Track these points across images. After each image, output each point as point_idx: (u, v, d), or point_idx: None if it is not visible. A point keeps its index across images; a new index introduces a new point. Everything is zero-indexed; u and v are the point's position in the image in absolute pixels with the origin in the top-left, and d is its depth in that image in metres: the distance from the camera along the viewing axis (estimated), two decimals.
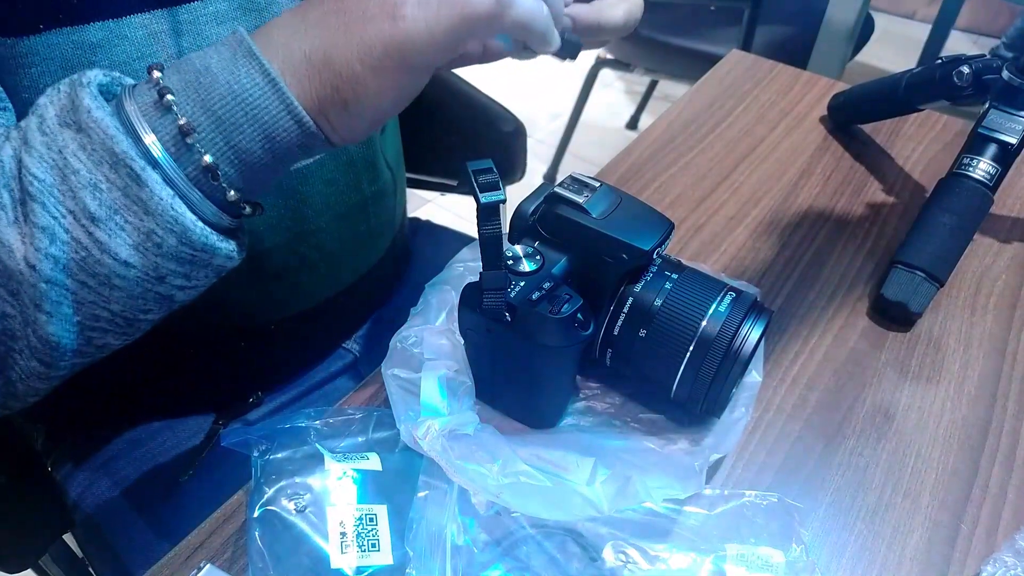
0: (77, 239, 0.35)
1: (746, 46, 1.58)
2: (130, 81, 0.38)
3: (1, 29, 0.43)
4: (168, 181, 0.36)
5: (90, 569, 0.70)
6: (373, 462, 0.47)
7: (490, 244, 0.40)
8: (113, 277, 0.36)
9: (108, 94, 0.37)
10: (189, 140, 0.36)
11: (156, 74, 0.36)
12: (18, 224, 0.35)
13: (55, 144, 0.35)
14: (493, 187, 0.38)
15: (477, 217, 0.39)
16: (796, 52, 1.58)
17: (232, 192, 0.38)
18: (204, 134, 0.36)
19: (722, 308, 0.45)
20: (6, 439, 0.68)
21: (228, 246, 0.39)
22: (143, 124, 0.36)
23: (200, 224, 0.37)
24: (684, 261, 0.49)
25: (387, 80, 0.38)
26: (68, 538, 0.69)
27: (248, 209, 0.40)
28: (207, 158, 0.36)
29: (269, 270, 0.62)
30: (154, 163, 0.35)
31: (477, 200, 0.38)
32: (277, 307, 0.66)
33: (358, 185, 0.66)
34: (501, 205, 0.39)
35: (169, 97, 0.36)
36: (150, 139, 0.36)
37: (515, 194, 0.51)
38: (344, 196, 0.64)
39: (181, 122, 0.36)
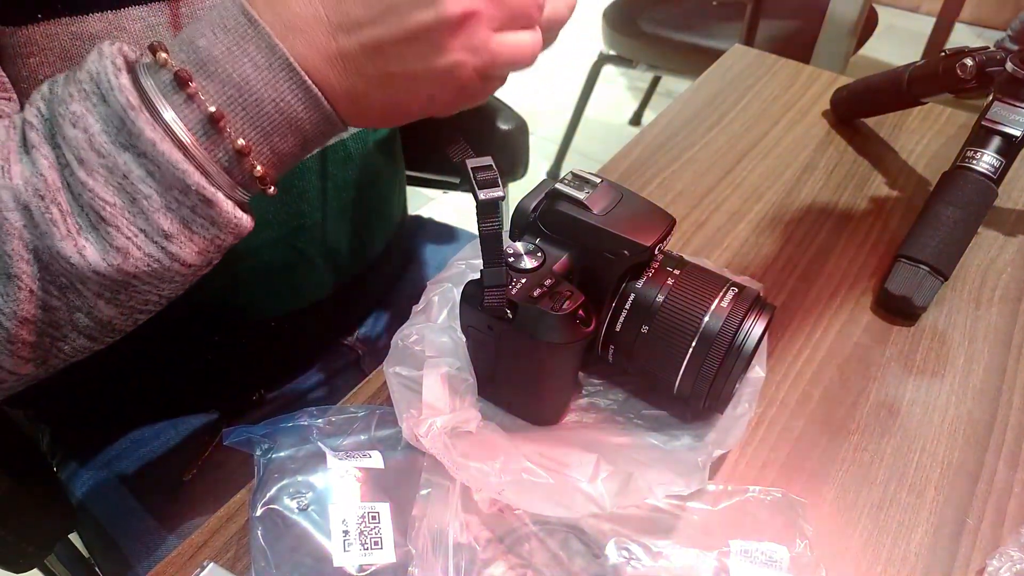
0: (150, 254, 0.37)
1: (748, 41, 1.58)
2: (135, 54, 0.38)
3: (0, 18, 0.43)
4: (227, 195, 0.38)
5: (96, 568, 0.70)
6: (375, 460, 0.47)
7: (490, 241, 0.40)
8: (176, 276, 0.39)
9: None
10: (245, 161, 0.37)
11: (192, 85, 0.36)
12: (71, 237, 0.36)
13: (117, 168, 0.35)
14: (492, 184, 0.38)
15: (477, 214, 0.39)
16: (799, 47, 1.57)
17: (272, 188, 0.40)
18: (256, 149, 0.38)
19: (724, 304, 0.45)
20: (11, 440, 0.69)
21: (252, 224, 0.41)
22: (188, 137, 0.36)
23: (251, 220, 0.39)
24: (687, 257, 0.49)
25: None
26: (74, 537, 0.70)
27: (273, 189, 0.41)
28: (258, 169, 0.38)
29: (267, 265, 0.63)
30: (215, 183, 0.37)
31: (476, 197, 0.38)
32: (276, 303, 0.66)
33: (354, 181, 0.66)
34: (500, 202, 0.39)
35: (224, 123, 0.36)
36: (204, 160, 0.36)
37: (519, 191, 0.51)
38: (340, 192, 0.65)
39: (239, 145, 0.37)
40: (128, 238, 0.36)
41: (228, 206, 0.37)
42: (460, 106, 0.41)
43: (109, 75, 0.35)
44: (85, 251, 0.36)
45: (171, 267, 0.38)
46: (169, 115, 0.36)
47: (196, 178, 0.36)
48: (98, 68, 0.36)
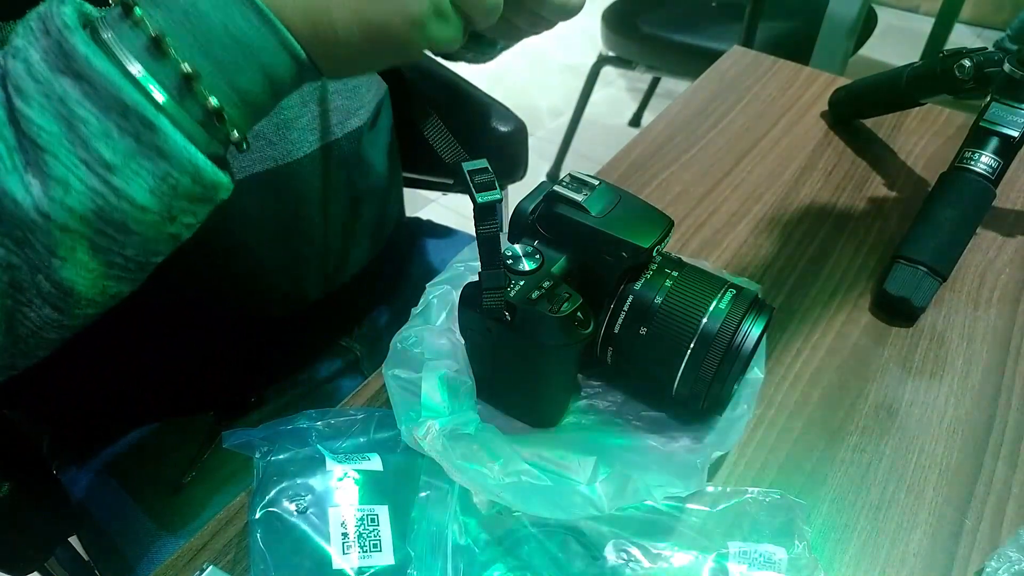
0: (93, 188, 0.35)
1: (748, 42, 1.58)
2: (93, 8, 0.37)
3: None
4: (176, 125, 0.35)
5: (95, 571, 0.70)
6: (374, 463, 0.47)
7: (488, 243, 0.40)
8: (130, 222, 0.36)
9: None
10: (193, 86, 0.35)
11: (137, 12, 0.35)
12: (18, 172, 0.34)
13: (53, 92, 0.34)
14: (489, 186, 0.38)
15: (474, 217, 0.39)
16: (798, 48, 1.57)
17: (235, 132, 0.38)
18: (207, 79, 0.36)
19: (723, 305, 0.45)
20: (12, 443, 0.69)
21: (228, 179, 0.38)
22: (136, 65, 0.35)
23: (211, 164, 0.37)
24: (685, 258, 0.49)
25: (384, 59, 0.40)
26: (73, 540, 0.70)
27: (245, 145, 0.39)
28: (212, 101, 0.36)
29: (264, 266, 0.63)
30: (160, 108, 0.35)
31: (474, 200, 0.38)
32: (274, 304, 0.66)
33: (349, 181, 0.66)
34: (498, 204, 0.39)
35: (167, 43, 0.34)
36: (148, 83, 0.35)
37: (518, 193, 0.51)
38: (334, 192, 0.65)
39: (186, 70, 0.35)
40: (68, 168, 0.34)
41: (176, 135, 0.35)
42: (426, 44, 0.39)
43: (52, 6, 0.34)
44: (32, 187, 0.34)
45: (120, 207, 0.35)
46: (111, 39, 0.34)
47: (134, 96, 0.34)
48: (45, 5, 0.35)
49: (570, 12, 0.45)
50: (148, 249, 0.38)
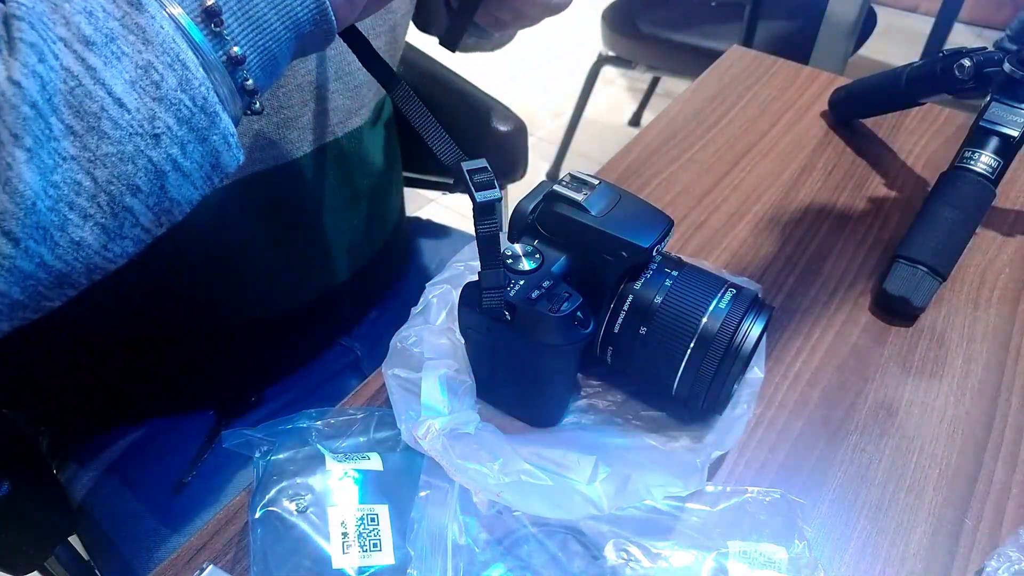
0: (68, 67, 0.31)
1: (747, 42, 1.58)
2: None
3: None
4: (163, 8, 0.33)
5: (95, 570, 0.70)
6: (374, 462, 0.47)
7: (488, 243, 0.40)
8: (104, 118, 0.32)
9: None
10: None
11: None
12: (1, 55, 0.31)
13: None
14: (488, 185, 0.38)
15: (474, 216, 0.39)
16: (798, 47, 1.57)
17: (235, 47, 0.35)
18: None
19: (723, 305, 0.45)
20: (12, 442, 0.69)
21: (227, 120, 0.36)
22: None
23: (202, 70, 0.34)
24: (685, 258, 0.49)
25: None
26: (74, 540, 0.70)
27: (251, 82, 0.37)
28: (209, 1, 0.34)
29: (263, 265, 0.63)
30: None
31: (473, 199, 0.38)
32: (274, 303, 0.66)
33: (349, 180, 0.66)
34: (498, 203, 0.39)
35: None
36: None
37: (518, 192, 0.51)
38: (335, 190, 0.65)
39: None
40: (43, 39, 0.31)
41: (163, 19, 0.33)
42: None
43: None
44: (8, 62, 0.31)
45: (95, 93, 0.32)
46: None
47: None
48: None
49: (554, 10, 0.44)
50: (123, 175, 0.33)
